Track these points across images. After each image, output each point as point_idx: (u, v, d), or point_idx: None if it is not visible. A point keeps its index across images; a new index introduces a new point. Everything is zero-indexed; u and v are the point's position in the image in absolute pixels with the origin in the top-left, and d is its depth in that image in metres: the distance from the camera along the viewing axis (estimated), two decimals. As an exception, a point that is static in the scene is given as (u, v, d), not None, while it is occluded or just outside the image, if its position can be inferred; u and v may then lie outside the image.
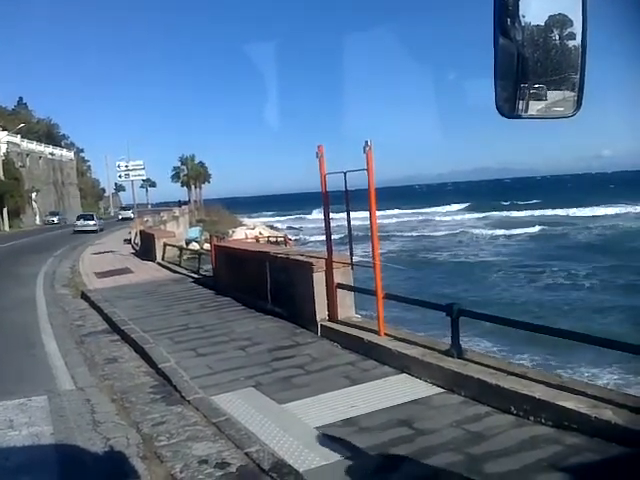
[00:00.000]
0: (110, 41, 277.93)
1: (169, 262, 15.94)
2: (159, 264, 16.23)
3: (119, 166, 21.68)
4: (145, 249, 18.90)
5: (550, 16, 1.29)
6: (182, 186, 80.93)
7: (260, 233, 51.88)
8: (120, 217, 61.37)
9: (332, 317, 7.16)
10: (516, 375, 4.67)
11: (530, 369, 5.07)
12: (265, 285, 8.68)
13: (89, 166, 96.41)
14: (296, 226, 72.04)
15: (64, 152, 75.33)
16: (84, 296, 11.94)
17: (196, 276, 13.00)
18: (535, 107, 1.37)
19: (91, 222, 42.54)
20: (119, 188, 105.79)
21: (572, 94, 1.37)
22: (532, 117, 1.41)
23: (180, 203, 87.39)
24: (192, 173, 76.69)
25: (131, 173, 21.43)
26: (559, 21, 1.28)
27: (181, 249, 16.51)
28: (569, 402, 4.09)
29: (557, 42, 1.30)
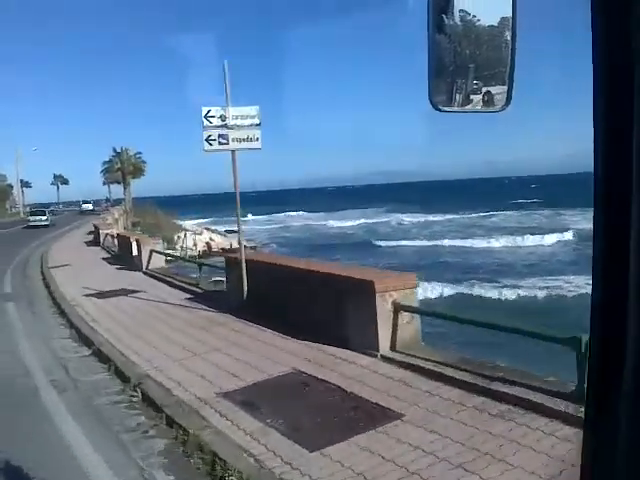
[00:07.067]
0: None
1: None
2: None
3: (208, 114, 9.32)
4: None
5: (484, 11, 1.30)
6: (104, 184, 73.35)
7: (211, 239, 42.71)
8: (31, 223, 45.10)
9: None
10: None
11: None
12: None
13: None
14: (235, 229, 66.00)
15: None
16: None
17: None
18: (468, 102, 1.38)
19: None
20: (25, 184, 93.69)
21: (503, 89, 1.37)
22: (465, 111, 1.42)
23: (107, 201, 79.65)
24: (127, 168, 63.54)
25: (240, 122, 9.43)
26: (492, 16, 1.30)
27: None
28: None
29: (490, 37, 1.31)
